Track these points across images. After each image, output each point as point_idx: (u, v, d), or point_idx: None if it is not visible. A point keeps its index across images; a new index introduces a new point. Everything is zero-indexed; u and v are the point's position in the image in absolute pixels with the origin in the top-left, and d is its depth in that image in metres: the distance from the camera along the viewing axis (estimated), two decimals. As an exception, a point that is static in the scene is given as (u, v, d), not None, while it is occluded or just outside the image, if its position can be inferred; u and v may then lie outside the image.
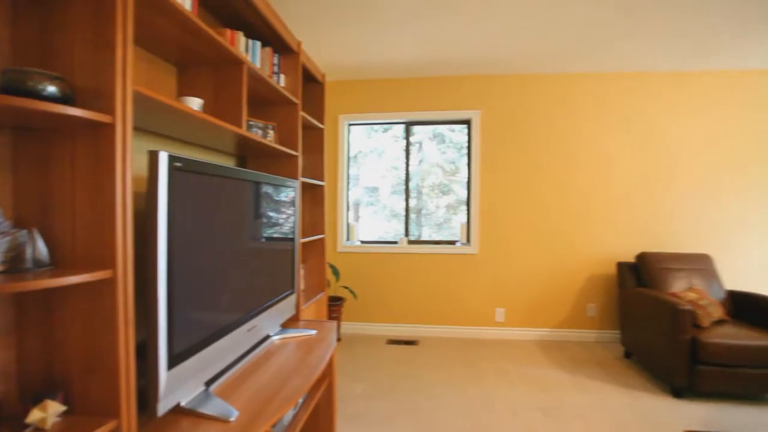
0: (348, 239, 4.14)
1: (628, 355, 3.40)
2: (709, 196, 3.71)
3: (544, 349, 3.61)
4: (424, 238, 4.37)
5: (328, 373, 2.02)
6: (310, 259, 2.88)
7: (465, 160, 4.11)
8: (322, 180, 2.89)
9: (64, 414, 0.97)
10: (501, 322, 3.86)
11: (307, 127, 2.77)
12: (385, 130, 4.56)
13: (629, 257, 3.73)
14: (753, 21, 2.72)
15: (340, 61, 3.52)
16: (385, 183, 4.74)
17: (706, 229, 3.71)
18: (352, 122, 4.16)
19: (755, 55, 3.32)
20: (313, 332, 2.03)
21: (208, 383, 1.37)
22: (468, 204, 3.99)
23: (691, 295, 2.91)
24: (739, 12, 2.61)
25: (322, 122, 2.89)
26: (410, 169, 4.27)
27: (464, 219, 4.10)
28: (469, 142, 4.00)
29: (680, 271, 3.23)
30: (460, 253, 3.91)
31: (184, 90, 1.70)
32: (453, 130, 4.29)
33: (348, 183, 4.23)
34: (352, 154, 4.39)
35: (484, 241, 3.88)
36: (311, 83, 2.87)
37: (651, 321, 2.92)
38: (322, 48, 3.26)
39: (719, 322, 2.85)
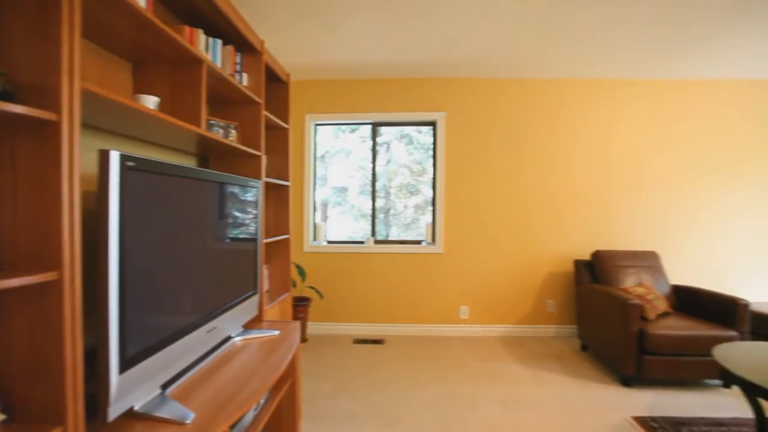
0: (314, 239, 4.13)
1: (584, 348, 3.57)
2: (657, 199, 3.95)
3: (506, 344, 3.73)
4: (393, 237, 4.42)
5: (290, 373, 2.02)
6: (275, 260, 2.86)
7: (432, 161, 4.18)
8: (287, 180, 2.87)
9: (3, 423, 0.93)
10: (465, 319, 3.97)
11: (272, 126, 2.75)
12: (353, 131, 4.57)
13: (586, 255, 3.92)
14: (695, 35, 2.93)
15: (306, 61, 3.52)
16: (354, 183, 4.76)
17: (654, 229, 3.95)
18: (318, 122, 4.15)
19: (700, 66, 3.57)
20: (276, 333, 2.03)
21: (165, 386, 1.35)
22: (433, 204, 4.07)
23: (640, 290, 3.10)
24: (683, 26, 2.80)
25: (286, 122, 2.87)
26: (378, 169, 4.31)
27: (431, 219, 4.18)
28: (434, 143, 4.08)
29: (631, 268, 3.43)
30: (426, 253, 3.98)
31: (139, 87, 1.66)
32: (420, 132, 4.36)
33: (315, 183, 4.21)
34: (319, 154, 4.37)
35: (449, 241, 3.97)
36: (275, 83, 2.85)
37: (604, 315, 3.08)
38: (287, 48, 3.24)
39: (664, 315, 3.04)
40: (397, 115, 4.01)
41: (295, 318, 3.59)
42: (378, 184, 4.60)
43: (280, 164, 2.91)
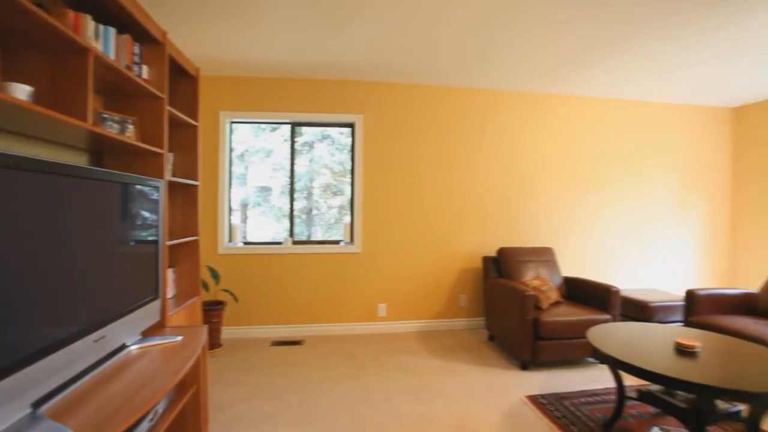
0: (230, 241, 3.98)
1: (491, 338, 3.88)
2: (553, 201, 4.42)
3: (421, 338, 3.92)
4: (317, 238, 4.42)
5: (194, 379, 1.95)
6: (182, 263, 2.72)
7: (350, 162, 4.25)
8: (196, 179, 2.74)
9: None
10: (383, 316, 4.09)
11: (178, 123, 2.61)
12: (274, 130, 4.48)
13: (493, 252, 4.26)
14: (586, 57, 3.33)
15: (221, 56, 3.38)
16: (275, 183, 4.67)
17: (551, 227, 4.41)
18: (234, 120, 4.01)
19: (590, 85, 4.06)
20: (179, 338, 1.94)
21: (38, 404, 1.24)
22: (352, 204, 4.14)
23: (536, 282, 3.45)
24: (575, 48, 3.17)
25: (196, 119, 2.74)
26: (300, 169, 4.28)
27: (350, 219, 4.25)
28: (352, 144, 4.15)
29: (530, 263, 3.79)
30: (344, 253, 4.04)
31: (10, 75, 1.49)
32: (342, 133, 4.41)
33: (230, 182, 4.06)
34: (238, 153, 4.22)
35: (367, 241, 4.07)
36: (183, 77, 2.71)
37: (506, 306, 3.38)
38: (200, 42, 3.10)
39: (555, 304, 3.42)
40: (316, 116, 4.02)
41: (208, 323, 3.43)
42: (299, 185, 4.56)
43: (188, 163, 2.77)
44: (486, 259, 3.91)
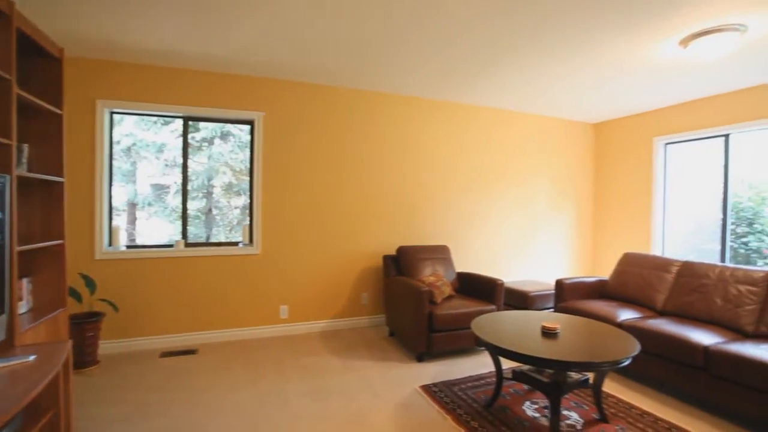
0: (110, 245, 3.58)
1: (391, 333, 4.03)
2: (449, 201, 4.74)
3: (324, 339, 3.92)
4: (219, 239, 4.17)
5: (51, 403, 1.72)
6: (42, 271, 2.37)
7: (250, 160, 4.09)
8: (60, 176, 2.41)
9: None
10: (285, 318, 4.02)
11: (36, 110, 2.28)
12: (166, 123, 4.13)
13: (393, 250, 4.42)
14: (475, 70, 3.62)
15: (95, 36, 3.01)
16: (171, 181, 4.30)
17: (447, 226, 4.73)
18: (116, 110, 3.60)
19: (481, 96, 4.42)
20: (31, 358, 1.69)
21: None
22: (251, 204, 3.99)
23: (431, 279, 3.67)
24: (468, 61, 3.43)
25: (60, 107, 2.41)
26: (197, 167, 4.00)
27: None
28: (252, 142, 4.00)
29: (427, 260, 4.02)
30: (243, 254, 3.88)
31: None
32: (243, 130, 4.22)
33: (111, 180, 3.64)
34: (123, 147, 3.80)
35: (267, 241, 3.95)
36: (42, 58, 2.36)
37: (403, 302, 3.54)
38: (67, 16, 2.72)
39: (449, 298, 3.67)
40: (213, 111, 3.79)
41: (80, 338, 3.05)
42: (196, 183, 4.27)
43: (50, 157, 2.42)
44: (386, 258, 4.06)
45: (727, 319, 2.94)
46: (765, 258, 4.26)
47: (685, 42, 2.97)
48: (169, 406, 2.58)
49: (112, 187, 3.67)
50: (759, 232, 4.33)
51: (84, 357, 3.10)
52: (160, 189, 4.43)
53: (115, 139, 3.72)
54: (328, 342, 3.83)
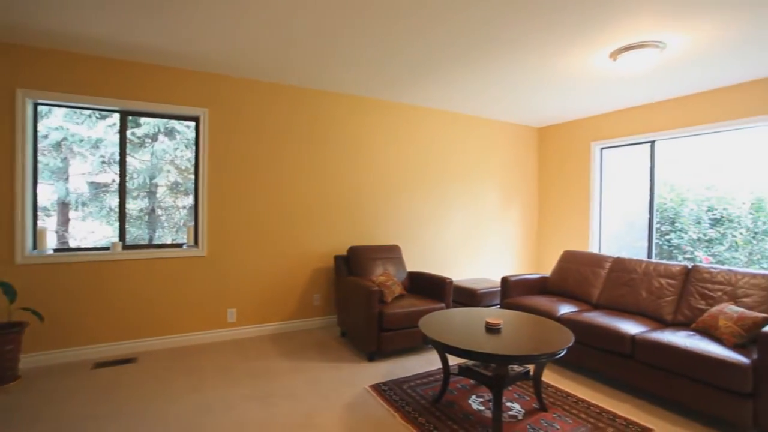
0: (35, 248, 3.29)
1: (343, 334, 4.01)
2: (401, 201, 4.79)
3: (274, 341, 3.84)
4: (164, 241, 3.95)
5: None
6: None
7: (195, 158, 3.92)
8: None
9: None
10: (233, 322, 3.88)
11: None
12: (103, 117, 3.85)
13: (344, 251, 4.41)
14: (423, 74, 3.69)
15: (15, 20, 2.76)
16: (108, 179, 4.01)
17: (398, 226, 4.78)
18: (40, 101, 3.31)
19: (430, 98, 4.51)
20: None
21: None
22: (196, 204, 3.82)
23: (381, 278, 3.70)
24: (415, 64, 3.48)
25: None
26: (139, 165, 3.77)
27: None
28: (197, 140, 3.84)
29: (378, 260, 4.04)
30: (187, 257, 3.71)
31: None
32: (189, 127, 4.03)
33: (35, 177, 3.35)
34: (51, 142, 3.50)
35: (213, 243, 3.80)
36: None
37: (354, 302, 3.54)
38: (-23, -2, 2.47)
39: (399, 297, 3.72)
40: (155, 106, 3.59)
41: (-3, 351, 2.77)
42: (137, 181, 4.03)
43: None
44: (337, 258, 4.04)
45: (651, 309, 3.20)
46: (684, 253, 4.68)
47: (614, 55, 3.21)
48: (99, 421, 2.40)
49: (38, 186, 3.37)
50: (679, 230, 4.75)
51: (1, 372, 2.82)
52: (97, 188, 4.14)
53: (42, 132, 3.42)
54: (279, 344, 3.75)
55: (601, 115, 5.26)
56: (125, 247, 3.59)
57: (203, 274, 3.76)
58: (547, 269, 5.81)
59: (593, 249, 5.36)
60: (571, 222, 5.62)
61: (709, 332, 2.69)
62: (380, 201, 4.65)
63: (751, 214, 4.27)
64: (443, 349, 2.34)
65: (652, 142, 4.81)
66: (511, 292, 3.90)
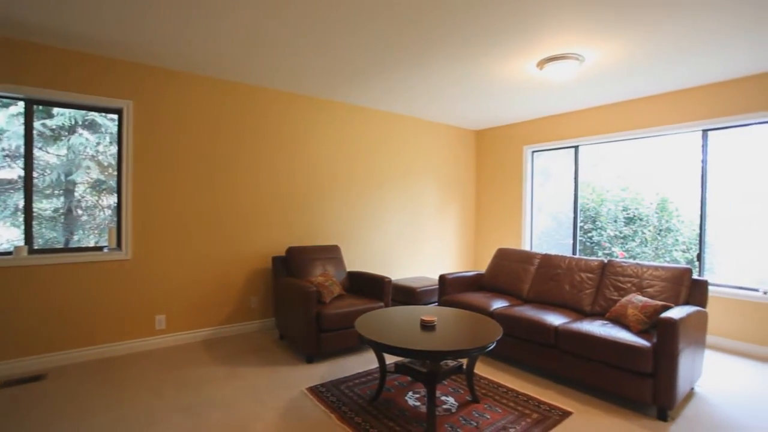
0: None
1: (282, 337, 3.92)
2: (341, 201, 4.77)
3: (208, 348, 3.66)
4: (85, 244, 3.59)
5: None
6: None
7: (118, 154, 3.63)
8: None
9: None
10: (162, 329, 3.65)
11: None
12: (5, 105, 3.43)
13: (282, 251, 4.31)
14: (363, 74, 3.69)
15: None
16: (13, 175, 3.58)
17: (338, 226, 4.76)
18: (-76, 86, 2.90)
19: (372, 99, 4.53)
20: None
21: None
22: (119, 204, 3.55)
23: (320, 279, 3.66)
24: (355, 64, 3.47)
25: None
26: (52, 160, 3.41)
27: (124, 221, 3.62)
28: (119, 133, 3.56)
29: (318, 260, 4.00)
30: (109, 260, 3.42)
31: None
32: (113, 120, 3.71)
33: None
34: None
35: (139, 245, 3.54)
36: None
37: (292, 304, 3.47)
38: None
39: (338, 297, 3.70)
40: (66, 95, 3.27)
41: None
42: (51, 178, 3.64)
43: None
44: (275, 259, 3.93)
45: (573, 301, 3.46)
46: (604, 249, 5.11)
47: (540, 64, 3.42)
48: (0, 445, 2.15)
49: None
50: (599, 228, 5.18)
51: None
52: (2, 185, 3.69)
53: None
54: (213, 351, 3.58)
55: (532, 120, 5.59)
56: (33, 251, 3.23)
57: (127, 279, 3.49)
58: (484, 266, 6.07)
59: (525, 246, 5.69)
60: (506, 221, 5.92)
61: (619, 320, 2.95)
62: (320, 201, 4.60)
63: (657, 213, 4.75)
64: (378, 348, 2.36)
65: (576, 147, 5.20)
66: (449, 289, 4.02)
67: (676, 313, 2.56)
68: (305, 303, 3.22)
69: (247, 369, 3.19)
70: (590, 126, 4.93)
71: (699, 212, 4.16)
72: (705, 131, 4.08)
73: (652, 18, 2.64)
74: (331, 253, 4.14)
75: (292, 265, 3.86)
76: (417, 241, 5.56)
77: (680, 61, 3.38)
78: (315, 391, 2.81)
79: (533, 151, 5.71)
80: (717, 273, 4.10)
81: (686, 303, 2.94)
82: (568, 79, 3.84)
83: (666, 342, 2.45)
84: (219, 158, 3.93)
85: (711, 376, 3.21)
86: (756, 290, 3.74)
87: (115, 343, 3.44)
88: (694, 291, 2.98)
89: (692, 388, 2.94)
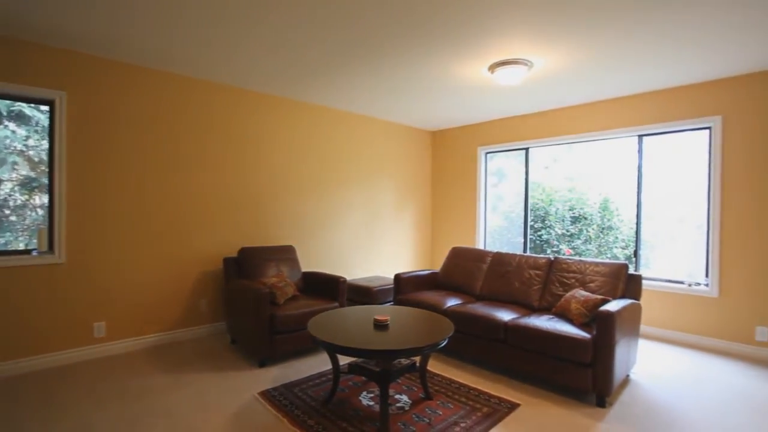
0: None
1: (234, 341, 3.79)
2: (296, 200, 4.69)
3: (154, 355, 3.47)
4: (12, 247, 3.28)
5: None
6: None
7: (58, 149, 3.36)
8: None
9: None
10: (101, 337, 3.42)
11: None
12: None
13: (235, 252, 4.17)
14: (319, 73, 3.64)
15: None
16: None
17: (294, 226, 4.67)
18: None
19: (328, 98, 4.47)
20: None
21: None
22: (51, 203, 3.28)
23: (273, 280, 3.57)
24: (311, 62, 3.41)
25: None
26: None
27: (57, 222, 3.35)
28: (51, 127, 3.30)
29: (272, 261, 3.90)
30: (39, 265, 3.15)
31: None
32: (46, 112, 3.41)
33: None
34: None
35: (74, 248, 3.29)
36: None
37: (244, 306, 3.36)
38: None
39: (293, 298, 3.63)
40: (-10, 84, 2.99)
41: None
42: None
43: None
44: (227, 260, 3.80)
45: (523, 298, 3.60)
46: (552, 247, 5.36)
47: (492, 68, 3.53)
48: None
49: None
50: (548, 226, 5.43)
51: None
52: None
53: None
54: (159, 357, 3.40)
55: (486, 122, 5.76)
56: (-52, 255, 2.92)
57: (61, 284, 3.23)
58: (440, 265, 6.18)
59: (479, 245, 5.85)
60: (461, 220, 6.07)
61: (564, 314, 3.11)
62: (275, 200, 4.49)
63: (599, 212, 5.05)
64: (331, 349, 2.33)
65: (527, 149, 5.41)
66: (404, 288, 4.06)
67: (613, 306, 2.73)
68: (258, 305, 3.14)
69: (196, 376, 3.05)
70: (539, 129, 5.15)
71: (636, 211, 4.46)
72: (640, 136, 4.38)
73: (592, 30, 2.79)
74: (286, 254, 4.05)
75: (245, 267, 3.74)
76: (374, 240, 5.57)
77: (618, 71, 3.60)
78: (267, 395, 2.74)
79: (487, 153, 5.89)
80: (652, 268, 4.42)
81: (623, 296, 3.15)
82: (518, 84, 3.99)
83: (604, 333, 2.61)
84: (165, 155, 3.73)
85: (644, 363, 3.45)
86: (682, 282, 4.07)
87: (47, 355, 3.18)
88: (630, 285, 3.19)
89: (628, 375, 3.15)
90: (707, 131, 3.96)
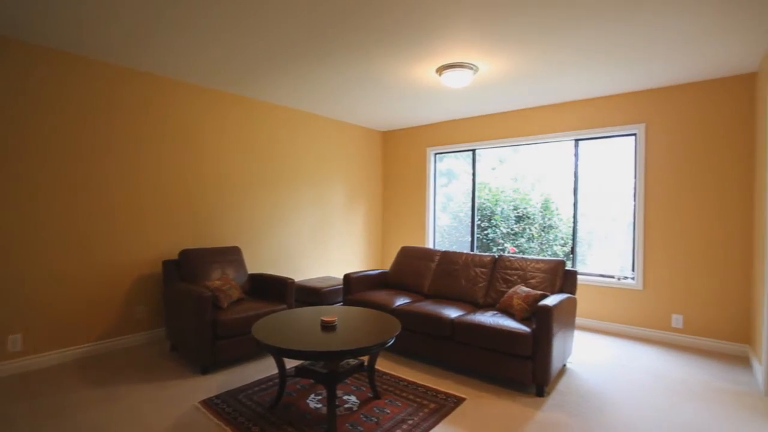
0: None
1: (173, 348, 3.58)
2: (241, 200, 4.52)
3: (82, 368, 3.20)
4: None
5: None
6: None
7: (-44, 142, 2.98)
8: None
9: None
10: (17, 351, 3.08)
11: None
12: None
13: (175, 255, 3.95)
14: (267, 68, 3.52)
15: None
16: None
17: (239, 227, 4.50)
18: None
19: (274, 94, 4.34)
20: None
21: None
22: (-41, 203, 2.93)
23: (217, 283, 3.42)
24: (259, 57, 3.29)
25: None
26: None
27: (-44, 223, 2.98)
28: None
29: (216, 263, 3.73)
30: (-60, 272, 2.80)
31: None
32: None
33: None
34: None
35: (-16, 252, 2.96)
36: None
37: (184, 311, 3.19)
38: None
39: (237, 301, 3.50)
40: None
41: None
42: None
43: None
44: (167, 263, 3.58)
45: (469, 295, 3.71)
46: (498, 246, 5.58)
47: (439, 71, 3.60)
48: None
49: None
50: (494, 226, 5.65)
51: None
52: None
53: None
54: (87, 371, 3.13)
55: (435, 123, 5.88)
56: None
57: (-32, 293, 2.89)
58: (390, 264, 6.23)
59: (429, 244, 5.97)
60: (411, 220, 6.15)
61: (507, 310, 3.24)
62: (220, 200, 4.30)
63: (541, 212, 5.33)
64: (276, 352, 2.27)
65: (474, 151, 5.59)
66: (354, 288, 4.04)
67: (551, 300, 2.89)
68: (199, 309, 2.98)
69: (129, 387, 2.85)
70: (486, 131, 5.34)
71: (573, 211, 4.75)
72: (577, 140, 4.68)
73: (529, 39, 2.93)
74: (231, 255, 3.89)
75: (186, 270, 3.55)
76: (324, 240, 5.50)
77: (555, 79, 3.82)
78: (209, 404, 2.61)
79: (436, 153, 6.01)
80: (587, 264, 4.72)
81: (560, 291, 3.33)
82: (465, 86, 4.11)
83: (542, 327, 2.75)
84: (95, 153, 3.44)
85: (579, 352, 3.68)
86: (613, 277, 4.39)
87: (-49, 372, 2.83)
88: (567, 280, 3.39)
89: (564, 365, 3.34)
90: (633, 137, 4.30)
